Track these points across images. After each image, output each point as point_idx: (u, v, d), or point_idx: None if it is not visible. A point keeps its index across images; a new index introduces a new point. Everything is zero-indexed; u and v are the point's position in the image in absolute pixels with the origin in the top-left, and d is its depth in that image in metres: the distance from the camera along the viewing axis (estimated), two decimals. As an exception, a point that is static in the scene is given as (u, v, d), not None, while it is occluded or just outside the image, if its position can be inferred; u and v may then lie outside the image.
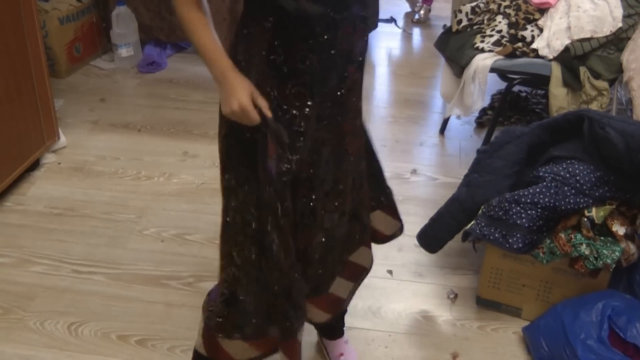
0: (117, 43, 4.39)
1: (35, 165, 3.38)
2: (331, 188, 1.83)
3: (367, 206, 2.06)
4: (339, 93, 1.72)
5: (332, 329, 2.34)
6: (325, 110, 1.71)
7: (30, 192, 3.26)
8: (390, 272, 2.78)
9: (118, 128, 3.76)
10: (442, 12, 5.25)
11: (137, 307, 2.57)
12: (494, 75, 3.28)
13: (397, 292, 2.69)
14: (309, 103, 1.66)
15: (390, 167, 3.46)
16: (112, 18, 4.35)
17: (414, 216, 3.05)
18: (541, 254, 2.34)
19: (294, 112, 1.66)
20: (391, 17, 5.19)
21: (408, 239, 2.89)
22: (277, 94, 1.64)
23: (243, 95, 1.56)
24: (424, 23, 5.27)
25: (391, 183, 3.27)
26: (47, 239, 2.95)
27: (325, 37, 1.59)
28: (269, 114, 1.60)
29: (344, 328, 2.36)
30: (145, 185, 3.28)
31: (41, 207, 3.15)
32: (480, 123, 3.87)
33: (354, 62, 1.72)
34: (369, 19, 1.71)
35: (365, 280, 2.67)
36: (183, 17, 1.59)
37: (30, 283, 2.72)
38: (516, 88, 3.66)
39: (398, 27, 5.16)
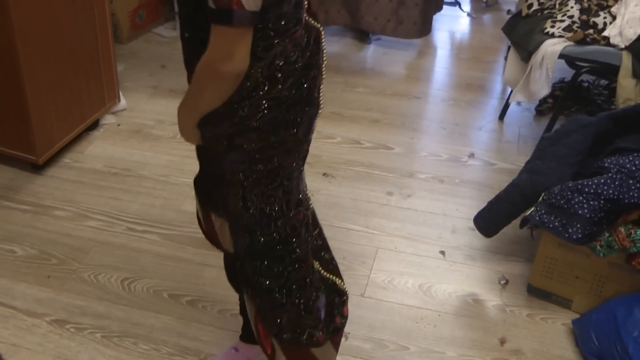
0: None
1: (94, 125, 3.44)
2: None
3: None
4: None
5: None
6: None
7: (88, 150, 3.32)
8: (442, 252, 2.77)
9: (177, 94, 3.77)
10: (507, -4, 5.22)
11: (189, 268, 2.61)
12: (560, 62, 3.21)
13: (449, 273, 2.68)
14: None
15: (448, 149, 3.46)
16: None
17: (469, 199, 3.05)
18: (598, 247, 2.30)
19: None
20: (456, 1, 5.14)
21: (462, 221, 2.90)
22: None
23: None
24: (490, 7, 5.21)
25: (448, 165, 3.31)
26: (103, 196, 3.01)
27: None
28: None
29: None
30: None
31: (99, 166, 3.21)
32: (540, 111, 3.82)
33: None
34: None
35: (417, 259, 2.72)
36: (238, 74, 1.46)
37: (85, 237, 2.78)
38: (578, 78, 3.60)
39: (462, 10, 5.10)
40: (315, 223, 1.89)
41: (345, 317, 1.90)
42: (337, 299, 1.87)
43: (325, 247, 1.91)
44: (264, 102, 1.52)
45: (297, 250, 1.73)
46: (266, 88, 1.51)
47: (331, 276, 1.87)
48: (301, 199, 1.72)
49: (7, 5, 2.64)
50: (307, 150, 1.72)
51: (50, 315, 2.42)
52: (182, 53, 1.58)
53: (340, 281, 1.89)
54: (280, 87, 1.52)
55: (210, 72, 1.43)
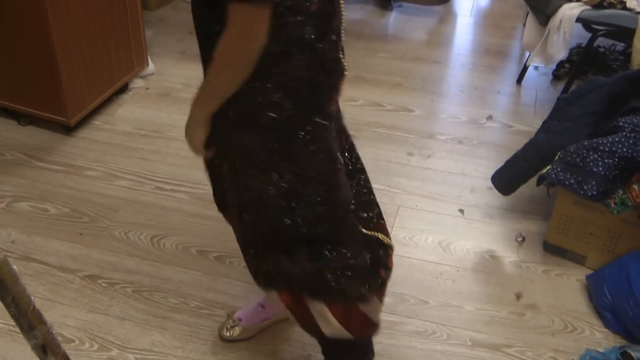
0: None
1: (124, 88, 3.53)
2: None
3: None
4: None
5: None
6: None
7: (118, 113, 3.40)
8: (461, 210, 2.85)
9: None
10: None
11: (217, 226, 2.68)
12: (577, 26, 3.26)
13: (467, 231, 2.76)
14: None
15: (466, 111, 3.52)
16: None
17: (487, 160, 3.11)
18: (612, 204, 2.36)
19: None
20: (476, -33, 5.16)
21: (480, 181, 2.97)
22: None
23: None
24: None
25: (466, 127, 3.38)
26: (132, 157, 3.10)
27: None
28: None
29: None
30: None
31: (128, 128, 3.30)
32: (557, 75, 3.87)
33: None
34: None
35: (437, 217, 2.78)
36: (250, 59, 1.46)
37: (115, 196, 2.88)
38: (595, 43, 3.63)
39: (482, -24, 5.13)
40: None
41: (389, 269, 1.90)
42: (382, 251, 1.87)
43: (365, 206, 1.88)
44: (283, 77, 1.52)
45: (338, 210, 1.72)
46: (284, 62, 1.50)
47: (374, 232, 1.86)
48: (335, 157, 1.68)
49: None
50: (337, 111, 1.73)
51: (83, 271, 2.52)
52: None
53: (383, 236, 1.88)
54: (298, 61, 1.51)
55: (232, 52, 1.43)
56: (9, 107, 3.24)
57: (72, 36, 2.99)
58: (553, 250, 2.65)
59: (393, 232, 2.71)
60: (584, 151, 2.36)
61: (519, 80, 3.80)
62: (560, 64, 3.86)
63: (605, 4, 3.14)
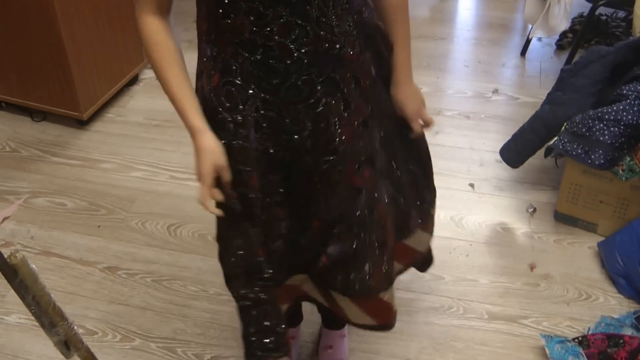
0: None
1: (134, 80, 3.57)
2: None
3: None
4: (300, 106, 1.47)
5: (333, 319, 2.19)
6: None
7: (129, 104, 3.45)
8: (472, 185, 2.89)
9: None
10: None
11: (232, 211, 2.73)
12: (577, -1, 3.29)
13: (478, 205, 2.80)
14: (240, 107, 1.48)
15: (472, 86, 3.54)
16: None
17: (495, 133, 3.14)
18: (620, 171, 2.40)
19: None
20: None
21: (489, 154, 3.00)
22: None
23: (205, 166, 1.46)
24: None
25: (473, 102, 3.40)
26: (146, 148, 3.15)
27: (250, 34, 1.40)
28: (229, 192, 1.51)
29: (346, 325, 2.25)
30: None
31: (140, 119, 3.34)
32: (560, 45, 3.88)
33: (317, 76, 1.45)
34: (336, 34, 1.43)
35: (448, 192, 2.81)
36: (147, 41, 1.44)
37: (131, 187, 2.93)
38: (597, 11, 3.64)
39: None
40: None
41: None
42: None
43: None
44: None
45: None
46: None
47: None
48: None
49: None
50: None
51: (102, 262, 2.57)
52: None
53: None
54: None
55: None
56: (22, 103, 3.29)
57: (81, 30, 3.03)
58: (564, 219, 2.68)
59: (405, 210, 2.75)
60: (590, 121, 2.39)
61: (523, 52, 3.82)
62: (563, 34, 3.87)
63: (605, -27, 3.16)
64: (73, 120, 3.26)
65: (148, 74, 3.63)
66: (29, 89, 3.19)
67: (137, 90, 3.55)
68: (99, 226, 2.73)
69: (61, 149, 3.16)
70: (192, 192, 2.85)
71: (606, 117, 2.36)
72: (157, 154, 3.10)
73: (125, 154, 3.11)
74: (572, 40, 3.80)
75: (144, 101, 3.47)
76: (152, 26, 1.47)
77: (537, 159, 2.77)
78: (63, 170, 3.04)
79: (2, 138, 3.23)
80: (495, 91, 3.50)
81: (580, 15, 3.96)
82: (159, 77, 1.46)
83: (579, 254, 2.57)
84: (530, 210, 2.75)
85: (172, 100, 1.47)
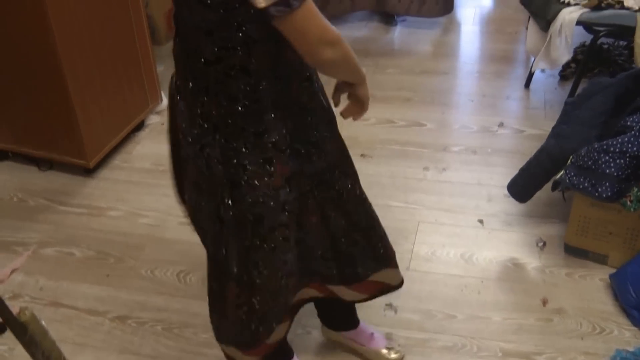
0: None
1: (140, 126, 3.58)
2: None
3: None
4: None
5: (350, 319, 2.29)
6: None
7: (136, 150, 3.46)
8: (480, 221, 2.88)
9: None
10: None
11: (240, 256, 2.72)
12: (578, 28, 3.29)
13: (488, 241, 2.78)
14: None
15: (477, 120, 3.55)
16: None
17: (502, 167, 3.14)
18: (628, 202, 2.38)
19: None
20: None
21: (497, 189, 2.99)
22: None
23: None
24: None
25: (479, 136, 3.41)
26: (153, 194, 3.15)
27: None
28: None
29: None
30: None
31: (147, 165, 3.35)
32: (563, 76, 3.89)
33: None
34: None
35: (457, 229, 2.81)
36: (339, 38, 1.48)
37: (139, 234, 2.92)
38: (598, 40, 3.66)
39: (482, -15, 5.17)
40: None
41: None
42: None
43: None
44: None
45: None
46: None
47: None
48: None
49: (47, 18, 2.77)
50: None
51: (111, 312, 2.56)
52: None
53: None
54: None
55: (318, 50, 1.44)
56: (28, 153, 3.31)
57: (86, 79, 3.05)
58: (574, 252, 2.66)
59: (415, 249, 2.75)
60: (595, 154, 2.38)
61: (527, 84, 3.83)
62: (566, 64, 3.87)
63: (603, 4, 3.17)
64: (79, 169, 3.27)
65: (153, 119, 3.65)
66: (35, 138, 3.21)
67: (143, 136, 3.57)
68: (108, 275, 2.73)
69: (68, 197, 3.16)
70: (200, 238, 2.86)
71: (611, 149, 2.35)
72: (165, 199, 3.09)
73: (133, 201, 3.11)
74: (575, 70, 3.81)
75: (150, 147, 3.49)
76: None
77: (544, 192, 2.76)
78: (71, 219, 3.04)
79: (9, 188, 3.24)
80: (501, 125, 3.50)
81: (582, 45, 3.97)
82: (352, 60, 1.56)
83: (591, 287, 2.54)
84: (540, 244, 2.73)
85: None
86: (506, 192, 2.82)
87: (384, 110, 3.66)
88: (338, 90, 1.76)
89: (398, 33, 4.61)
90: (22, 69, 2.97)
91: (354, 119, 1.79)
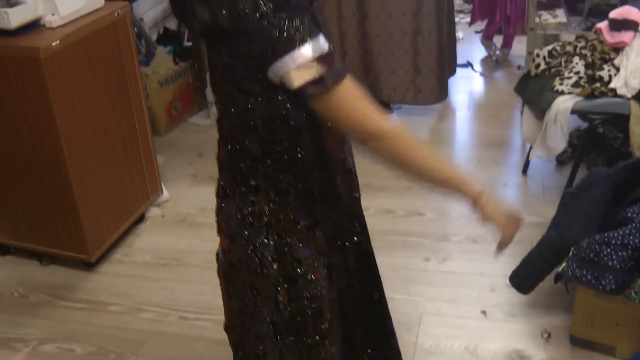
0: (212, 100, 4.56)
1: (140, 218, 3.59)
2: None
3: None
4: None
5: None
6: None
7: (137, 243, 3.47)
8: (484, 312, 2.86)
9: (216, 181, 3.90)
10: (516, 51, 5.32)
11: (243, 351, 2.70)
12: (573, 115, 3.33)
13: (492, 332, 2.76)
14: None
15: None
16: (207, 78, 4.55)
17: (504, 256, 3.04)
18: (633, 294, 2.39)
19: None
20: (467, 62, 5.28)
21: (499, 279, 2.99)
22: None
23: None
24: (500, 64, 5.34)
25: (478, 225, 3.38)
26: (154, 288, 3.15)
27: None
28: None
29: None
30: (244, 234, 3.44)
31: (148, 258, 3.35)
32: (560, 161, 3.92)
33: None
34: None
35: (460, 321, 2.79)
36: (386, 134, 1.45)
37: (140, 329, 2.91)
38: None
39: (475, 70, 5.25)
40: None
41: None
42: None
43: None
44: None
45: None
46: None
47: None
48: None
49: (52, 114, 2.83)
50: None
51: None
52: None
53: None
54: None
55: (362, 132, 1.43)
56: (30, 248, 3.31)
57: (88, 173, 3.08)
58: (581, 343, 2.64)
59: (418, 342, 2.73)
60: (597, 246, 2.40)
61: (524, 171, 3.86)
62: (563, 150, 3.92)
63: (596, 93, 3.23)
64: (80, 263, 3.26)
65: (154, 211, 3.67)
66: (37, 233, 3.22)
67: (144, 229, 3.58)
68: (109, 371, 2.70)
69: (69, 292, 3.15)
70: (203, 332, 2.84)
71: (613, 241, 2.37)
72: (166, 293, 3.09)
73: (134, 296, 3.10)
74: (571, 155, 3.85)
75: (151, 240, 3.49)
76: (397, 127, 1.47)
77: (547, 281, 2.75)
78: (71, 314, 3.02)
79: (11, 284, 3.23)
80: (500, 212, 3.50)
81: (577, 129, 4.01)
82: (419, 163, 1.50)
83: (599, 379, 2.52)
84: (545, 335, 2.72)
85: (443, 174, 1.54)
86: (508, 282, 2.81)
87: (383, 199, 3.68)
88: None
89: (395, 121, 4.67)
90: (25, 164, 3.01)
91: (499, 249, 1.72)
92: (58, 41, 2.82)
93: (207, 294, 3.05)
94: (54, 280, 3.24)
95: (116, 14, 3.14)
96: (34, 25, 2.91)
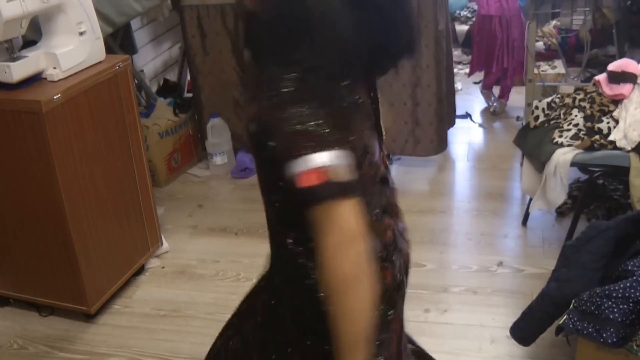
0: (212, 152, 4.64)
1: (140, 270, 3.59)
2: None
3: None
4: None
5: None
6: None
7: (136, 295, 3.46)
8: (485, 365, 2.85)
9: (216, 232, 3.96)
10: (515, 102, 5.37)
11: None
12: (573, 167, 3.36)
13: (493, 385, 2.75)
14: None
15: (476, 260, 3.56)
16: (207, 129, 4.62)
17: (504, 308, 3.14)
18: (635, 347, 2.37)
19: None
20: (467, 113, 5.32)
21: (500, 330, 2.98)
22: None
23: None
24: (499, 115, 5.39)
25: (478, 276, 3.42)
26: (154, 339, 3.14)
27: None
28: None
29: None
30: (245, 286, 3.37)
31: (147, 309, 3.34)
32: (560, 213, 3.94)
33: None
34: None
35: (463, 374, 2.76)
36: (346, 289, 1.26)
37: (140, 382, 2.89)
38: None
39: (473, 121, 5.29)
40: None
41: None
42: None
43: None
44: None
45: None
46: None
47: None
48: None
49: (53, 167, 2.85)
50: None
51: None
52: None
53: None
54: None
55: (341, 269, 1.27)
56: (30, 299, 3.31)
57: (88, 224, 3.09)
58: (582, 396, 2.63)
59: (419, 395, 2.71)
60: (598, 299, 2.40)
61: (524, 222, 3.88)
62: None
63: (596, 145, 3.25)
64: (80, 314, 3.25)
65: (154, 263, 3.67)
66: (37, 284, 3.22)
67: (144, 280, 3.57)
68: None
69: (68, 343, 3.14)
70: (202, 385, 2.82)
71: (614, 294, 2.36)
72: (165, 345, 3.08)
73: (133, 347, 3.09)
74: (571, 206, 3.86)
75: (150, 291, 3.49)
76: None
77: (549, 333, 2.73)
78: (70, 366, 3.00)
79: (10, 335, 3.22)
80: (500, 264, 3.52)
81: (577, 181, 4.04)
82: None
83: None
84: (547, 388, 2.71)
85: None
86: (509, 333, 2.79)
87: (384, 250, 3.67)
88: None
89: (394, 172, 4.68)
90: (25, 215, 3.02)
91: None
92: (59, 94, 2.86)
93: (207, 345, 2.98)
94: (53, 331, 3.23)
95: (117, 67, 3.18)
96: (36, 79, 2.96)
